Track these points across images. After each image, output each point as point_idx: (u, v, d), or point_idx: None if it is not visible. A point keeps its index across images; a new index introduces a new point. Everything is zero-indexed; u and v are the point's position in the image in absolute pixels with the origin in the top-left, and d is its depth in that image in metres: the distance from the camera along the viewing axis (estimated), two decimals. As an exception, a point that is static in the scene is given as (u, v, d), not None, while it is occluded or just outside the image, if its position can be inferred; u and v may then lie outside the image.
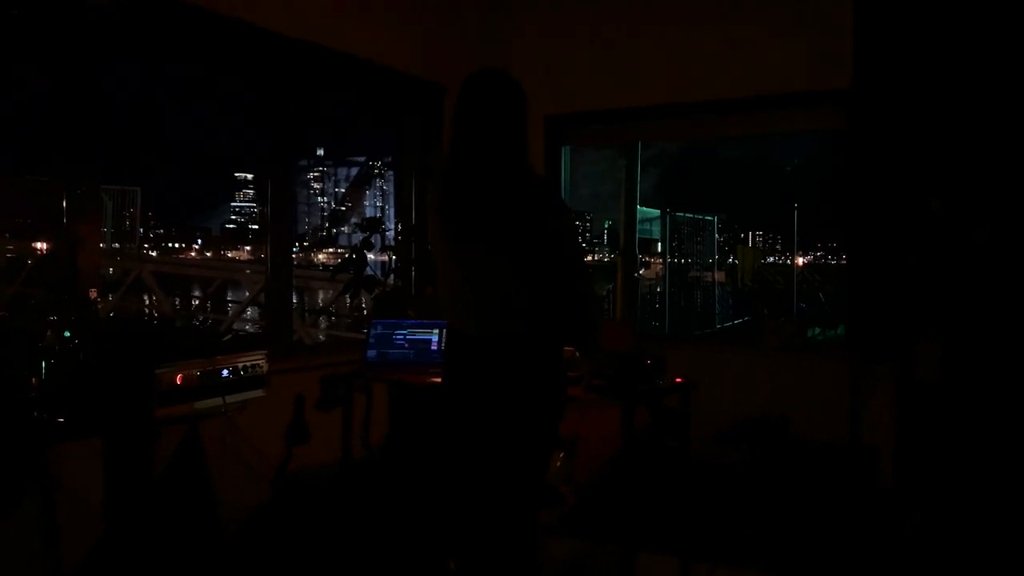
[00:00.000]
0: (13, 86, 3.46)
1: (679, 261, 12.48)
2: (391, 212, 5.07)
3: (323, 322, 12.50)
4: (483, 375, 2.32)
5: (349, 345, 5.26)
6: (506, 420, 2.31)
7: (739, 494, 3.85)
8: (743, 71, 4.57)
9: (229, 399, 2.68)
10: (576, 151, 5.59)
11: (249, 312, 12.56)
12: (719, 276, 13.46)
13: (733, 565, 3.35)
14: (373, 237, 4.26)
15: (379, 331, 3.49)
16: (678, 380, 2.92)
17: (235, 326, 11.48)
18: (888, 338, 4.07)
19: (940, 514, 3.62)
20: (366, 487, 3.66)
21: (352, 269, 4.16)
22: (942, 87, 3.88)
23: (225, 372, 2.67)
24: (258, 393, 2.83)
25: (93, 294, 3.03)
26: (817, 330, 10.57)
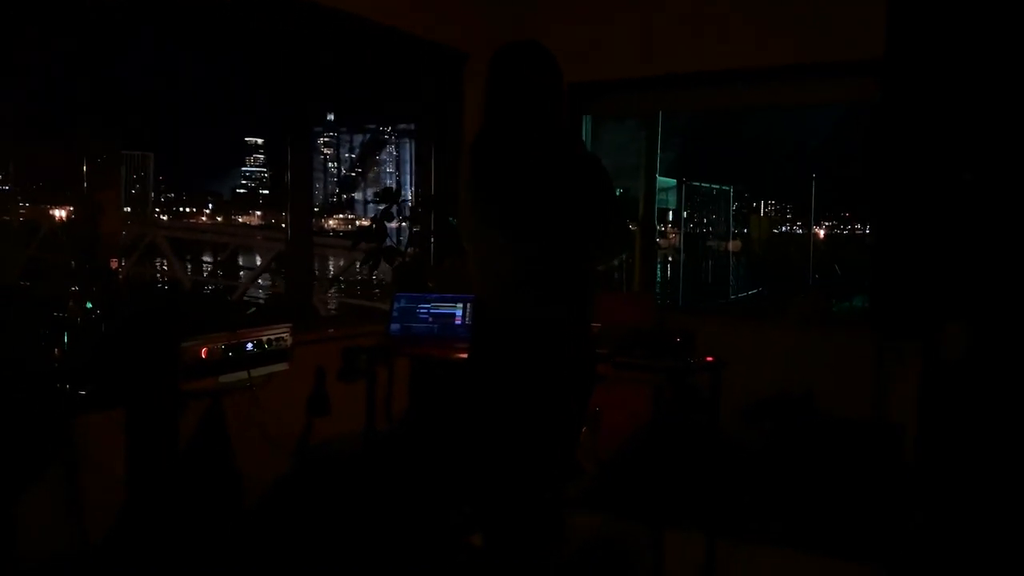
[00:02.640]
0: (32, 53, 3.40)
1: (695, 230, 12.40)
2: (405, 179, 5.02)
3: (334, 290, 12.49)
4: (517, 355, 2.28)
5: (363, 313, 5.23)
6: (539, 400, 2.28)
7: (764, 471, 3.83)
8: (768, 40, 4.46)
9: (254, 372, 2.66)
10: (597, 121, 5.50)
11: (260, 279, 12.57)
12: (732, 246, 13.38)
13: (758, 543, 3.33)
14: (392, 207, 4.20)
15: (402, 304, 3.46)
16: (709, 359, 2.86)
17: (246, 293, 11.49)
18: (913, 316, 4.01)
19: (960, 498, 3.58)
20: (387, 460, 3.65)
21: (374, 239, 4.11)
22: (979, 56, 3.77)
23: (249, 346, 2.65)
24: (282, 367, 2.81)
25: (114, 264, 3.00)
26: (832, 301, 10.47)
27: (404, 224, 4.64)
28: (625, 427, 3.91)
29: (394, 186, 4.55)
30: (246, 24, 3.71)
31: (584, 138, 5.26)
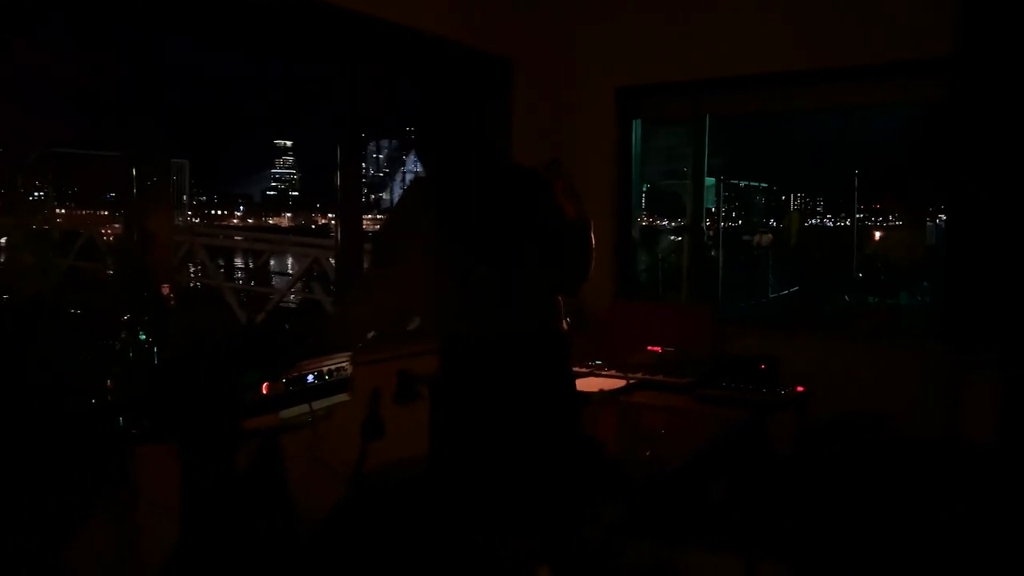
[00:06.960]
0: (77, 64, 3.32)
1: (734, 225, 12.18)
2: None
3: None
4: (502, 378, 2.36)
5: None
6: (524, 419, 2.37)
7: (840, 496, 3.64)
8: (824, 40, 4.28)
9: (315, 405, 2.54)
10: (647, 125, 5.33)
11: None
12: (766, 240, 13.14)
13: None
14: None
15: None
16: (800, 389, 2.69)
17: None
18: (991, 326, 3.81)
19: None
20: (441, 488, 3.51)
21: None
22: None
23: (311, 377, 2.53)
24: (343, 397, 2.70)
25: (166, 290, 2.90)
26: (875, 298, 10.22)
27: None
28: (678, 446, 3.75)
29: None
30: (290, 31, 3.61)
31: (633, 142, 5.10)
